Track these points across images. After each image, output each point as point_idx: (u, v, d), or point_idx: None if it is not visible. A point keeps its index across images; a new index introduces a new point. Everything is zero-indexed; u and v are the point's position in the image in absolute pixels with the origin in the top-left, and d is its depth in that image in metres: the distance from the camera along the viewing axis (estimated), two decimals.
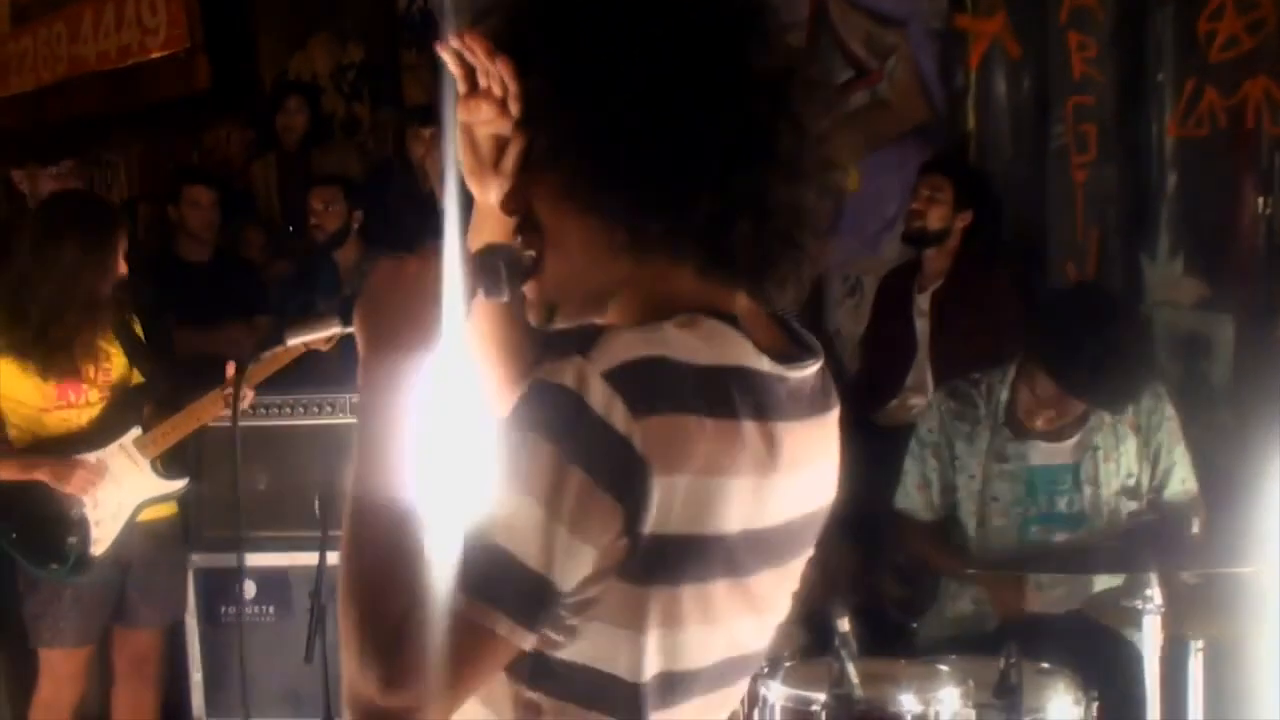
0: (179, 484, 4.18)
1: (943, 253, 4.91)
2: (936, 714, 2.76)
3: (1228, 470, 3.80)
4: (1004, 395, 3.66)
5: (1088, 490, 3.60)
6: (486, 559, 1.28)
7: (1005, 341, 4.47)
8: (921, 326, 4.95)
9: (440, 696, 1.31)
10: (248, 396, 4.01)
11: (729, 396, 1.34)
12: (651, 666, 1.38)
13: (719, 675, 1.46)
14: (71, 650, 4.09)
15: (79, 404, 4.04)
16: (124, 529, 4.06)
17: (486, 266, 1.44)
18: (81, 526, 3.99)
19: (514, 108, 1.41)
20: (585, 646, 1.36)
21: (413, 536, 1.35)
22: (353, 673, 1.32)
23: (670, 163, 1.34)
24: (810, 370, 1.48)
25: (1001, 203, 5.01)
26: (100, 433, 4.05)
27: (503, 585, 1.28)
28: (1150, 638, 2.79)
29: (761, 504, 1.39)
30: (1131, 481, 3.59)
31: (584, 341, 1.31)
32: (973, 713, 2.82)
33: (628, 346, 1.30)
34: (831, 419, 1.54)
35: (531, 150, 1.40)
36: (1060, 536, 3.62)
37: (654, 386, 1.29)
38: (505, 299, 1.46)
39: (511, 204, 1.44)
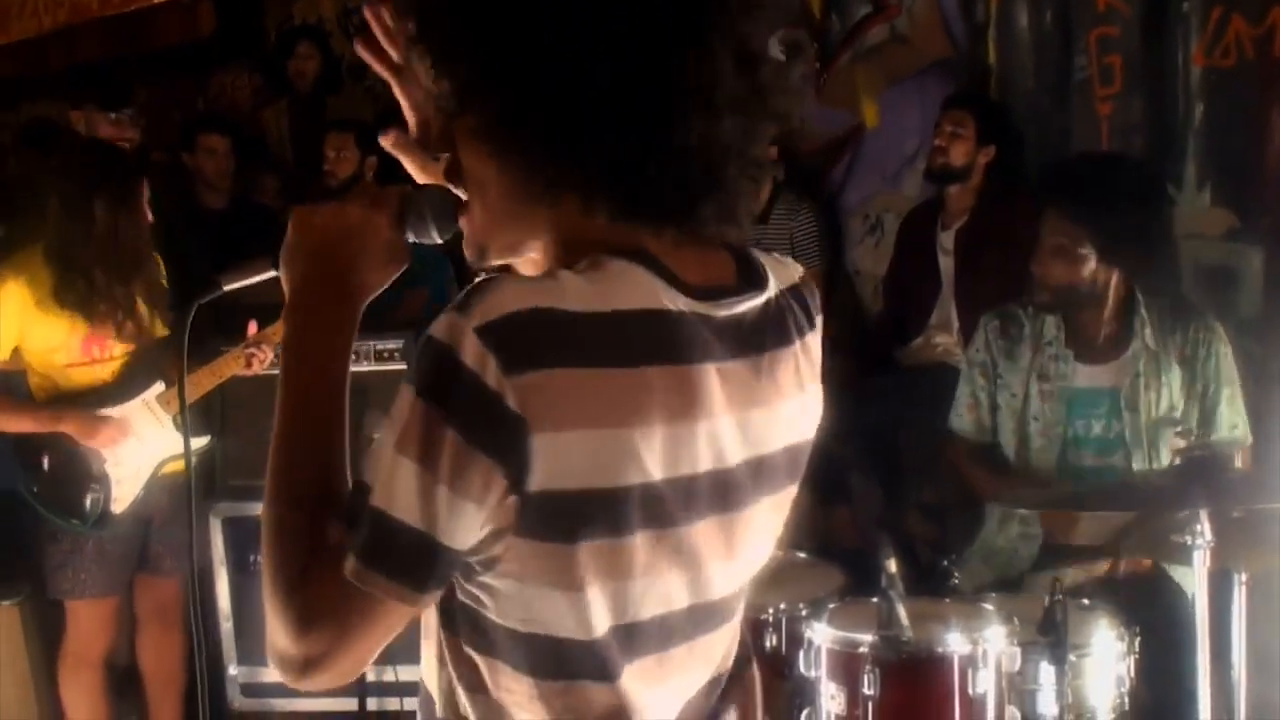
0: (200, 440, 4.17)
1: (966, 189, 4.88)
2: (984, 653, 2.76)
3: (1258, 402, 3.79)
4: (1050, 316, 3.65)
5: (1127, 416, 3.57)
6: (370, 522, 1.27)
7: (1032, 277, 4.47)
8: (945, 264, 4.93)
9: (343, 653, 1.31)
10: (267, 356, 3.99)
11: (627, 343, 1.29)
12: (592, 624, 1.33)
13: (675, 628, 1.41)
14: (95, 601, 4.09)
15: (103, 359, 4.01)
16: (145, 485, 4.05)
17: (412, 208, 1.47)
18: (103, 483, 3.98)
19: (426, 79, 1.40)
20: (511, 608, 1.33)
21: (326, 486, 1.36)
22: (270, 619, 1.33)
23: (567, 105, 1.29)
24: (748, 305, 1.41)
25: (1024, 137, 4.97)
26: (123, 388, 4.03)
27: (385, 551, 1.27)
28: (1199, 572, 2.78)
29: (687, 450, 1.33)
30: (1176, 414, 3.56)
31: (466, 291, 1.27)
32: (1018, 650, 2.82)
33: (511, 297, 1.25)
34: (791, 353, 1.46)
35: (444, 95, 1.37)
36: (1094, 461, 3.62)
37: (534, 340, 1.24)
38: (436, 241, 1.49)
39: (436, 147, 1.47)
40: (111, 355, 4.02)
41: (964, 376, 3.83)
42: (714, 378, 1.35)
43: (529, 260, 1.43)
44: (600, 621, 1.34)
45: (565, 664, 1.35)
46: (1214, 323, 3.65)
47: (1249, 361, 3.99)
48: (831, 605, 3.03)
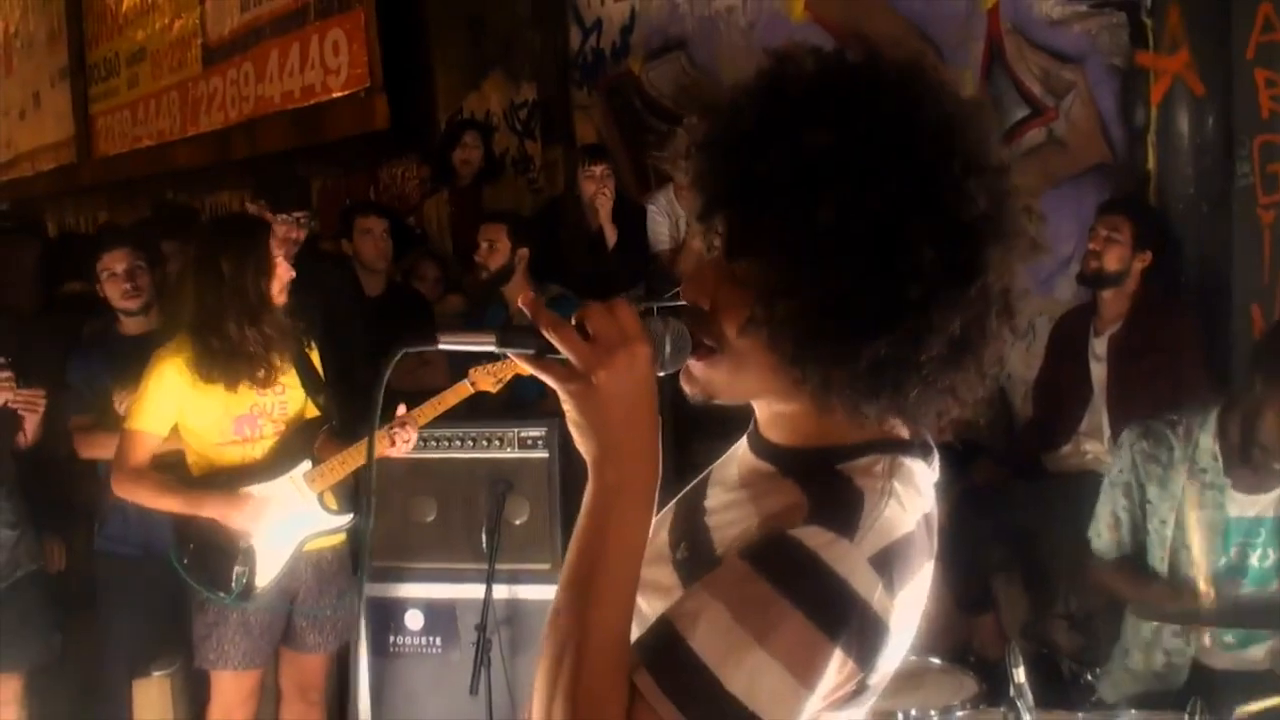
0: (345, 518, 4.24)
1: (1121, 295, 4.80)
2: None
3: None
4: (1205, 441, 3.49)
5: None
6: (726, 708, 1.28)
7: (1187, 386, 4.36)
8: (1098, 371, 4.84)
9: None
10: (411, 436, 4.06)
11: (931, 536, 1.41)
12: None
13: None
14: (238, 672, 4.16)
15: (254, 438, 4.13)
16: (290, 560, 4.13)
17: (658, 344, 1.40)
18: (248, 557, 4.06)
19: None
20: None
21: (626, 641, 1.35)
22: None
23: (861, 318, 1.31)
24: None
25: (1182, 244, 4.87)
26: (272, 466, 4.13)
27: None
28: None
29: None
30: None
31: (843, 514, 1.32)
32: None
33: (889, 528, 1.34)
34: None
35: (748, 284, 1.36)
36: (1252, 590, 3.46)
37: (906, 565, 1.35)
38: (661, 373, 1.42)
39: (694, 294, 1.43)
40: (262, 434, 4.14)
41: (1105, 495, 3.70)
42: None
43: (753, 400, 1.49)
44: None
45: None
46: None
47: None
48: (960, 714, 2.97)
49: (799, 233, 1.30)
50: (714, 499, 1.52)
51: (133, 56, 12.05)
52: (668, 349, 1.40)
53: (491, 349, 1.42)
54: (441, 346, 1.44)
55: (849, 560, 1.30)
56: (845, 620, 1.29)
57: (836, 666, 1.30)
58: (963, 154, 1.31)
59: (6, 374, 4.20)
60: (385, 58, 8.45)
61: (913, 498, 1.38)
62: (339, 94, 8.90)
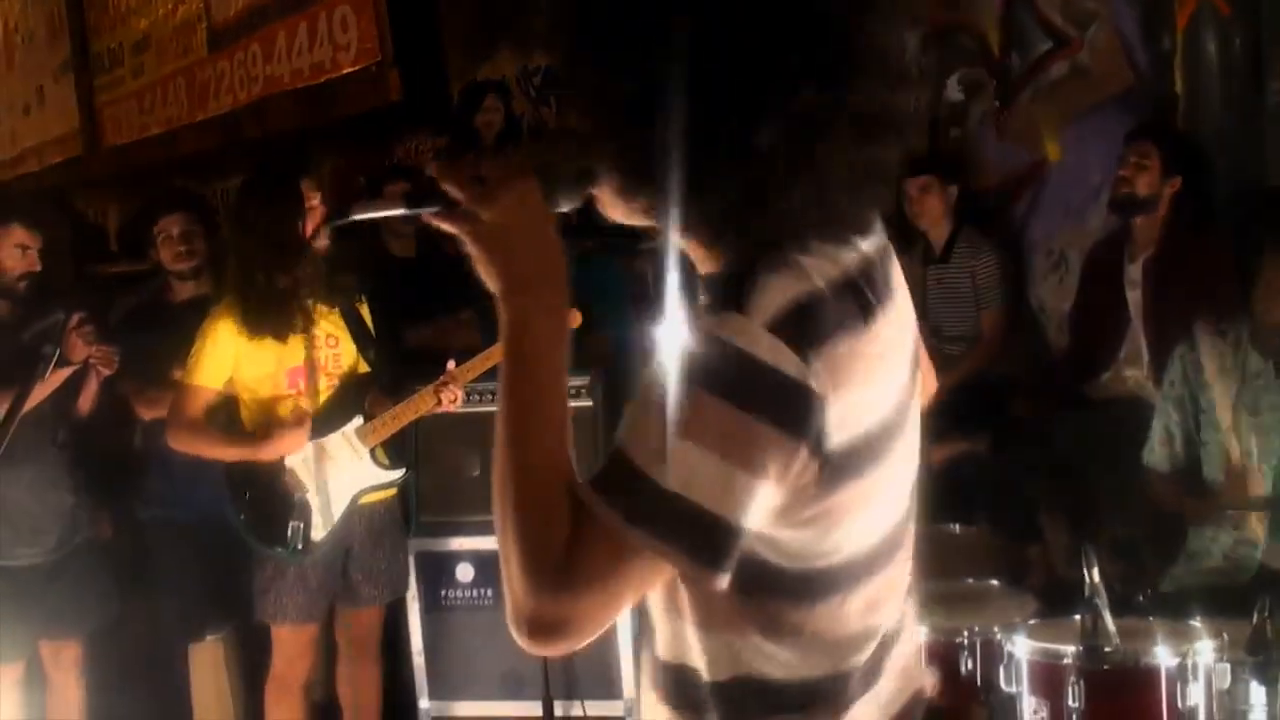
0: (397, 473, 4.28)
1: (1152, 220, 4.80)
2: (1193, 665, 2.69)
3: None
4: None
5: None
6: (665, 501, 1.30)
7: (1224, 307, 4.35)
8: (1134, 297, 4.84)
9: (605, 615, 1.35)
10: (458, 394, 4.09)
11: (864, 293, 1.40)
12: (839, 555, 1.43)
13: (887, 552, 1.49)
14: (297, 626, 4.21)
15: (308, 392, 4.16)
16: (344, 514, 4.17)
17: (548, 188, 1.47)
18: (303, 511, 4.11)
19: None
20: (801, 549, 1.40)
21: (566, 457, 1.39)
22: (517, 592, 1.34)
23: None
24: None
25: (1213, 166, 4.86)
26: (325, 421, 4.17)
27: (686, 530, 1.31)
28: None
29: (894, 385, 1.44)
30: None
31: (732, 291, 1.34)
32: (1228, 667, 2.74)
33: (779, 291, 1.33)
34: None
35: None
36: None
37: (813, 322, 1.33)
38: (560, 210, 1.50)
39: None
40: (316, 389, 4.17)
41: (1158, 410, 3.74)
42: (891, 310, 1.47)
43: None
44: (867, 538, 1.45)
45: (839, 583, 1.44)
46: None
47: None
48: (1032, 622, 2.99)
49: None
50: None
51: (137, 45, 12.01)
52: (558, 183, 1.46)
53: (402, 211, 1.49)
54: (355, 217, 1.57)
55: (744, 331, 1.30)
56: (757, 391, 1.30)
57: (770, 442, 1.30)
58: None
59: (89, 329, 4.17)
60: (395, 31, 8.41)
61: (821, 266, 1.37)
62: (350, 70, 8.86)
